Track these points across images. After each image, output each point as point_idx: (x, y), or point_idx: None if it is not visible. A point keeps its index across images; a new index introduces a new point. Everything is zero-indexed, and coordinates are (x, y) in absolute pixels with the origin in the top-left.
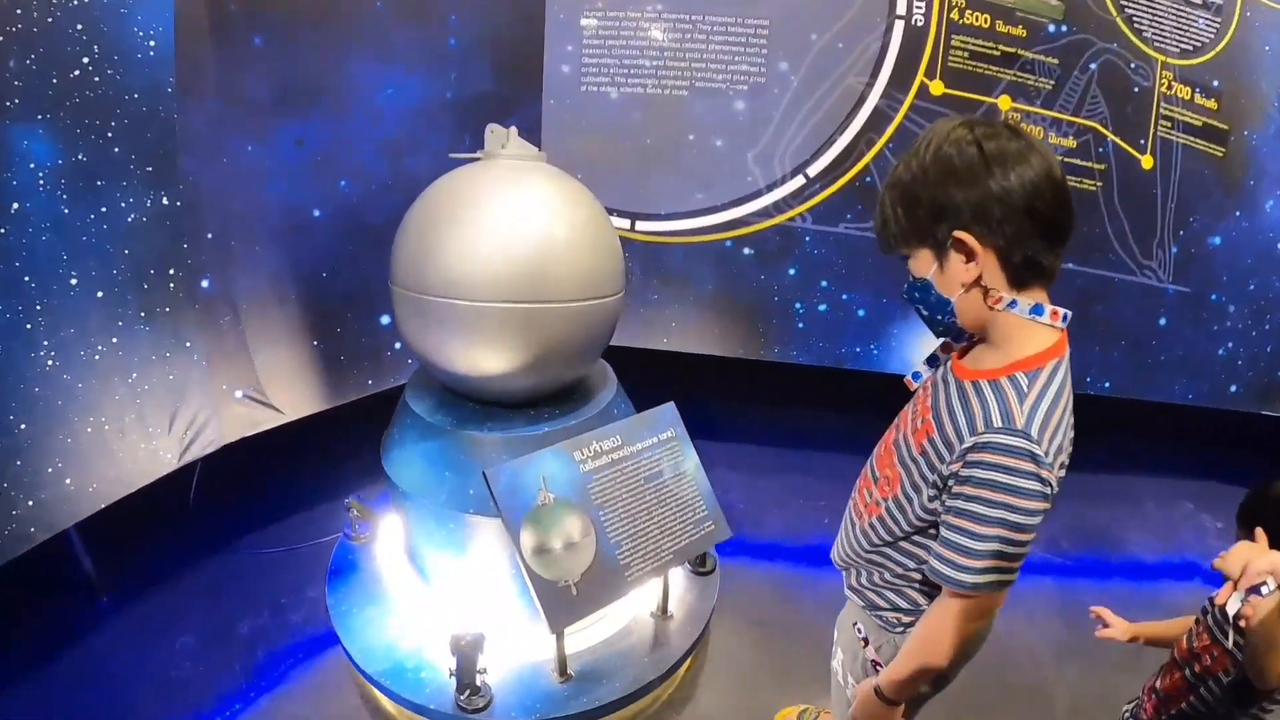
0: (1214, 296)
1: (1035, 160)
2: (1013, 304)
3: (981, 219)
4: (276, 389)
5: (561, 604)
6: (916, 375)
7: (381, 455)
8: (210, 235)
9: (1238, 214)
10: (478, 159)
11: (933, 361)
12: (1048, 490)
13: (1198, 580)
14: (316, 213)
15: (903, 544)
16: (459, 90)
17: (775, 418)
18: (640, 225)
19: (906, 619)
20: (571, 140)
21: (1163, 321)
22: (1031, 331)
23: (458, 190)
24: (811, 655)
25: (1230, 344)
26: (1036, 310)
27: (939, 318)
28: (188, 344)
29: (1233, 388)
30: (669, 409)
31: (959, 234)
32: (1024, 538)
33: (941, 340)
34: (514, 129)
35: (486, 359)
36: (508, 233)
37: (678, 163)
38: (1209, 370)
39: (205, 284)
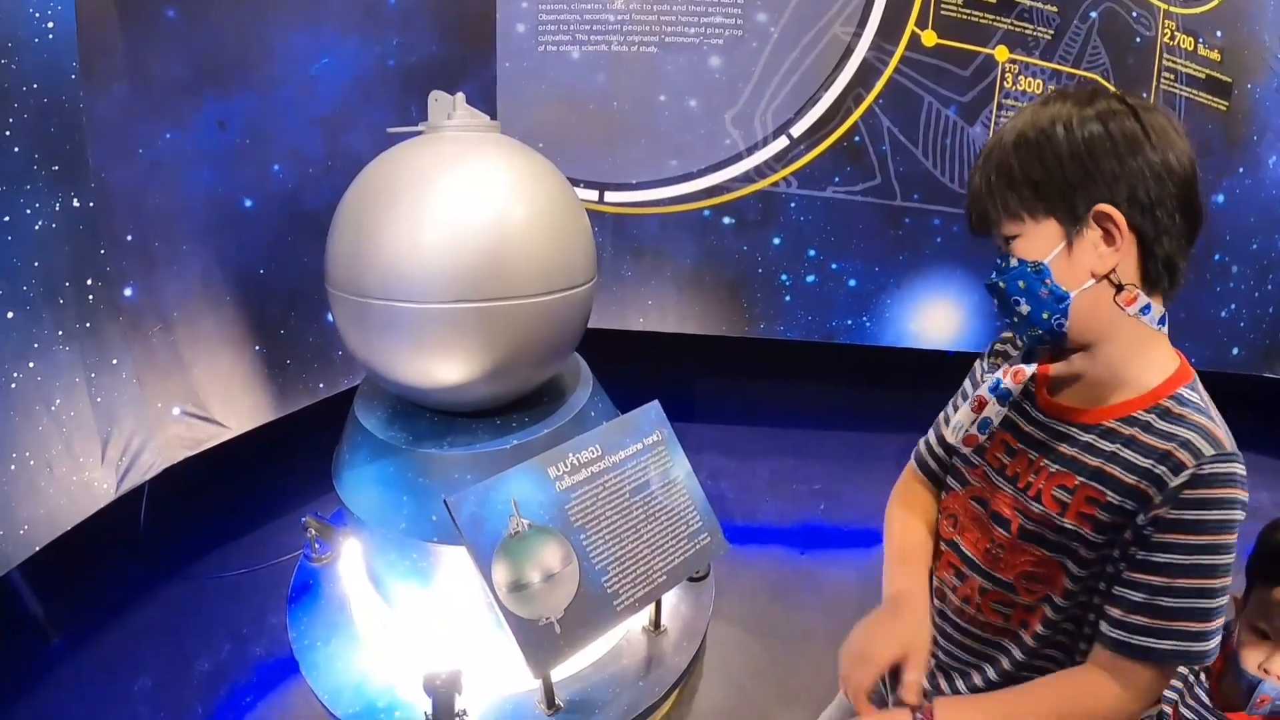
0: (1217, 257)
1: (1183, 141)
2: (1146, 309)
3: (1135, 195)
4: (218, 402)
5: (544, 644)
6: (984, 424)
7: (333, 475)
8: (130, 237)
9: (1240, 170)
10: (419, 133)
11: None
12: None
13: None
14: (248, 202)
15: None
16: (402, 56)
17: (762, 395)
18: (609, 197)
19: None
20: (530, 106)
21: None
22: (1163, 346)
23: (396, 172)
24: (813, 659)
25: (1233, 305)
26: (1163, 321)
27: (1044, 316)
28: (114, 361)
29: (1235, 350)
30: (653, 409)
31: (1104, 207)
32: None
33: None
34: (461, 95)
35: (440, 368)
36: (456, 219)
37: (648, 127)
38: (1211, 333)
39: (128, 293)
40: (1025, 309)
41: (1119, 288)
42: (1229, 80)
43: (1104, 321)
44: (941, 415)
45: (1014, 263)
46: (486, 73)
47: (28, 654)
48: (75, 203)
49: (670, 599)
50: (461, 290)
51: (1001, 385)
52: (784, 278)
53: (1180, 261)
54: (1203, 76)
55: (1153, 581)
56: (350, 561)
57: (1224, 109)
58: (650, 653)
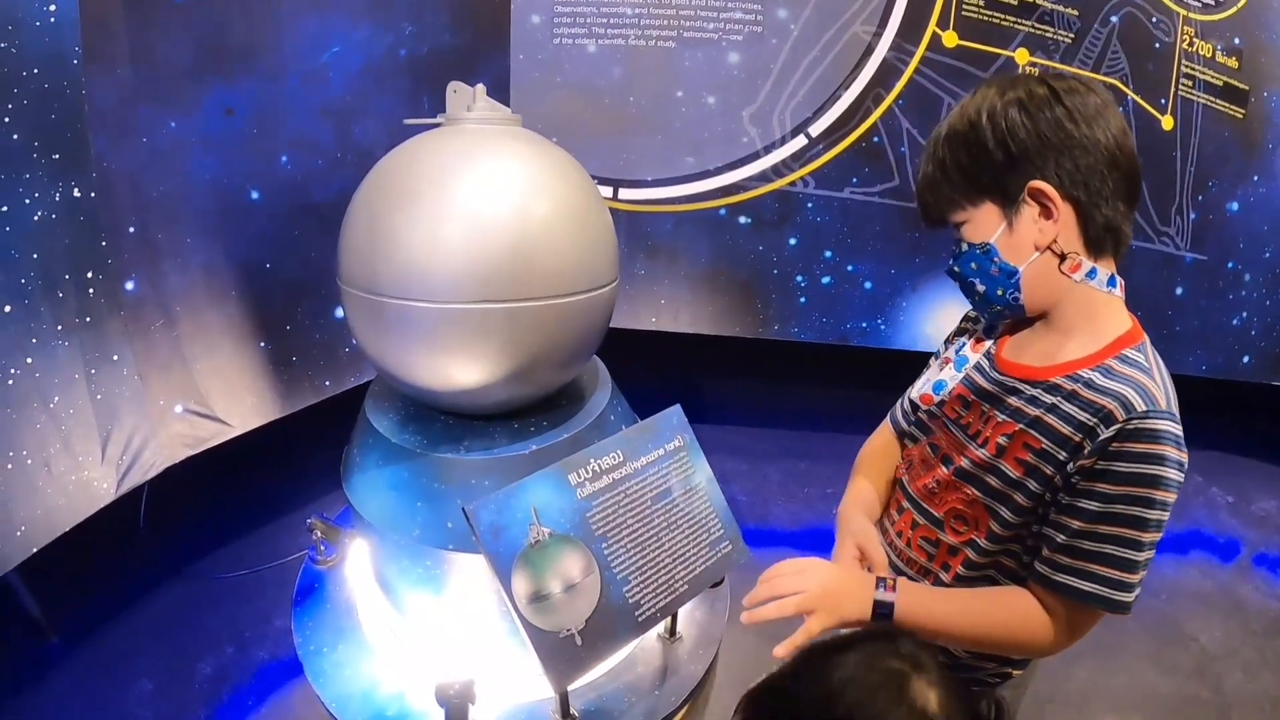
0: (1230, 265)
1: (1113, 115)
2: (1093, 273)
3: (1062, 169)
4: (221, 400)
5: (565, 657)
6: (939, 386)
7: (342, 478)
8: (132, 229)
9: (1255, 179)
10: (438, 125)
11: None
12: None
13: (1201, 551)
14: (254, 194)
15: (1004, 564)
16: (414, 46)
17: (774, 397)
18: (624, 194)
19: None
20: (544, 100)
21: (1179, 291)
22: (1114, 307)
23: (414, 165)
24: None
25: (1244, 313)
26: (1112, 283)
27: (999, 293)
28: (115, 358)
29: (1245, 358)
30: (675, 413)
31: (1037, 184)
32: (1160, 536)
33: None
34: (481, 87)
35: (458, 371)
36: (478, 216)
37: (665, 123)
38: (1223, 341)
39: (130, 286)
40: (981, 288)
41: (1062, 257)
42: (1246, 88)
43: (1055, 289)
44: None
45: (964, 247)
46: (500, 65)
47: (26, 656)
48: (76, 192)
49: (685, 606)
50: (483, 290)
51: (961, 353)
52: (799, 279)
53: (1123, 225)
54: (1220, 84)
55: (1073, 525)
56: (357, 564)
57: (1240, 116)
58: (666, 661)
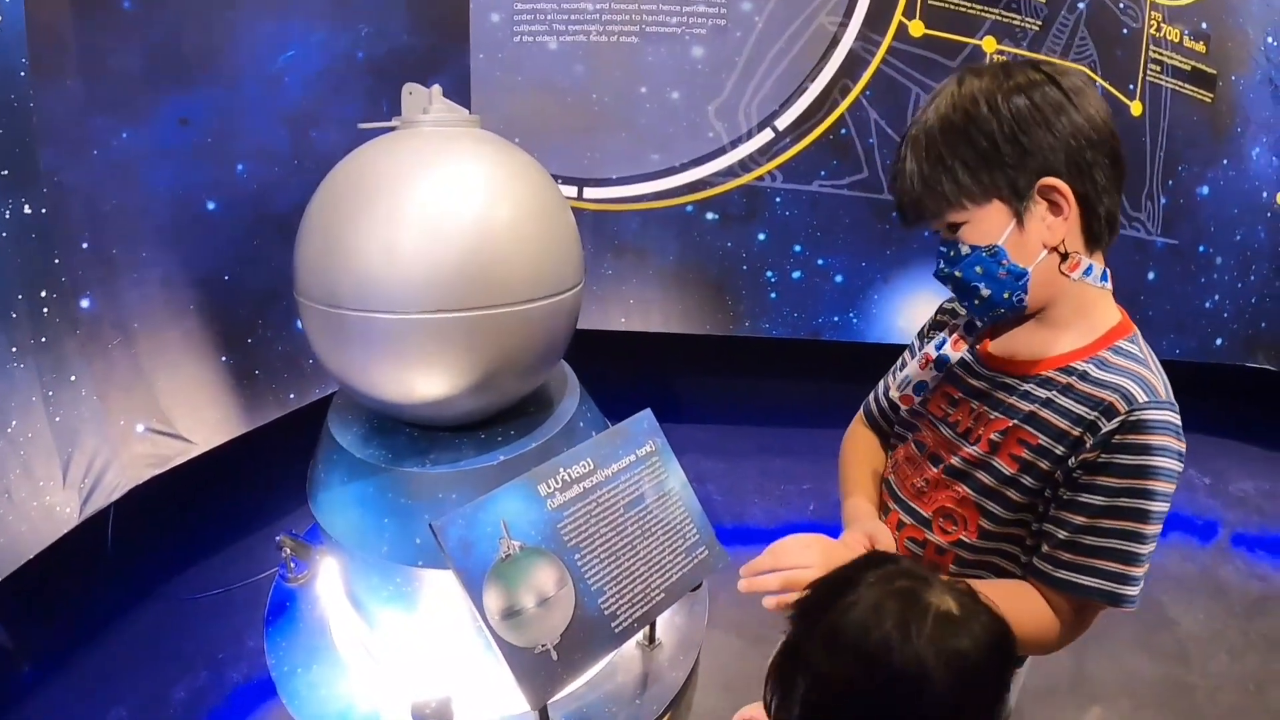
0: (1201, 248)
1: (1100, 101)
2: (1089, 270)
3: (1072, 162)
4: (184, 417)
5: (541, 673)
6: (920, 388)
7: (308, 495)
8: (85, 245)
9: (1225, 162)
10: (393, 128)
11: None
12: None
13: (1181, 534)
14: (211, 204)
15: (996, 564)
16: (372, 48)
17: (747, 394)
18: (589, 193)
19: None
20: (505, 99)
21: (1151, 276)
22: (1105, 301)
23: (369, 171)
24: None
25: (1216, 296)
26: (1104, 278)
27: (1005, 296)
28: (73, 378)
29: (1218, 340)
30: (645, 417)
31: (1050, 180)
32: (1160, 528)
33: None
34: (437, 88)
35: (421, 382)
36: (436, 221)
37: (629, 120)
38: (1196, 324)
39: (85, 304)
40: (987, 292)
41: (1064, 256)
42: (1214, 72)
43: (1053, 288)
44: (892, 370)
45: (965, 250)
46: (460, 64)
47: None
48: (26, 209)
49: (664, 612)
50: (444, 299)
51: (942, 351)
52: (769, 274)
53: (1118, 214)
54: (1188, 68)
55: (1076, 520)
56: (328, 581)
57: (1209, 101)
58: (646, 668)
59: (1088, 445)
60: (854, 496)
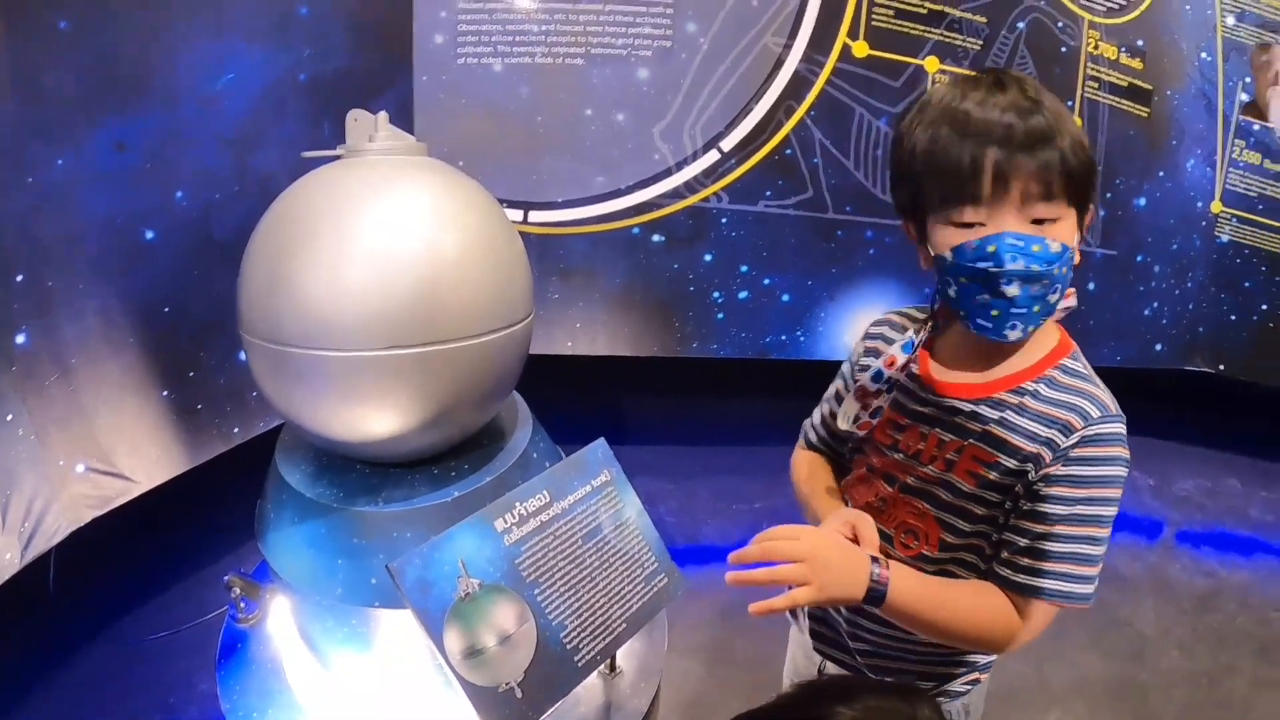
0: (1139, 258)
1: None
2: None
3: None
4: (125, 456)
5: (507, 712)
6: (877, 412)
7: (257, 535)
8: (20, 278)
9: (1161, 174)
10: (338, 157)
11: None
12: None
13: (1128, 534)
14: (149, 234)
15: (952, 572)
16: (313, 69)
17: (698, 414)
18: (534, 216)
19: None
20: (449, 122)
21: (1091, 286)
22: (1048, 324)
23: (314, 203)
24: (772, 683)
25: (1155, 304)
26: None
27: (1052, 300)
28: (9, 417)
29: (1158, 346)
30: (599, 447)
31: (1093, 197)
32: (1111, 529)
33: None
34: (383, 115)
35: (372, 420)
36: (385, 255)
37: (574, 142)
38: (1135, 331)
39: (21, 339)
40: (1054, 297)
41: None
42: (1150, 88)
43: None
44: (826, 399)
45: (1056, 248)
46: (403, 86)
47: None
48: None
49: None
50: (394, 335)
51: (883, 374)
52: (716, 295)
53: None
54: (1125, 85)
55: (1036, 529)
56: (280, 620)
57: (1145, 115)
58: (608, 697)
59: (1047, 460)
60: (817, 500)
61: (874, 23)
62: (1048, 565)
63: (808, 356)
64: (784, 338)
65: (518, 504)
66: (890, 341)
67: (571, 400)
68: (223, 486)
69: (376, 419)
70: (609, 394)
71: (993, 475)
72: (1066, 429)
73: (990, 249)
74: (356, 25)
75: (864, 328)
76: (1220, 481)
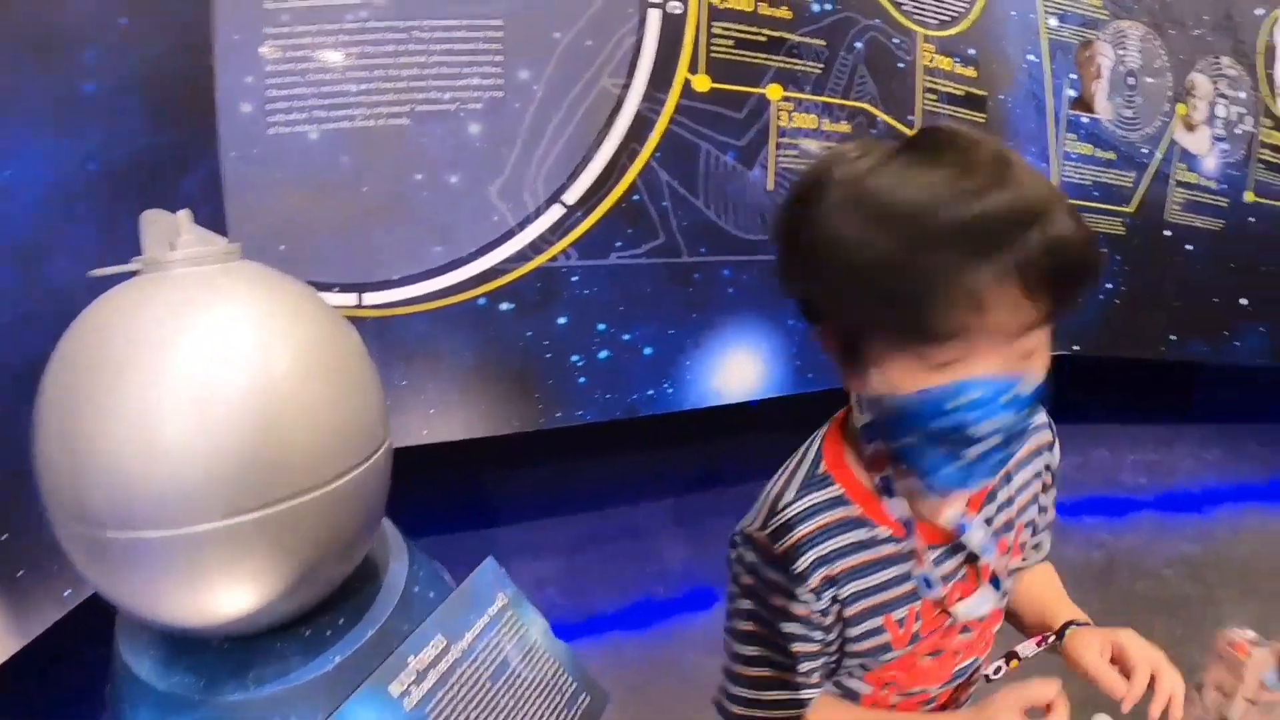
0: None
1: None
2: None
3: None
4: None
5: None
6: (928, 585)
7: None
8: None
9: None
10: (135, 272)
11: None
12: None
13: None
14: None
15: None
16: (106, 155)
17: (572, 482)
18: (369, 298)
19: None
20: (265, 202)
21: None
22: None
23: (107, 339)
24: None
25: None
26: None
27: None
28: None
29: None
30: (488, 569)
31: None
32: None
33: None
34: (185, 213)
35: (218, 602)
36: (203, 400)
37: (406, 211)
38: None
39: None
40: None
41: None
42: (984, 93)
43: None
44: (801, 658)
45: (1038, 378)
46: (209, 165)
47: None
48: None
49: None
50: (228, 501)
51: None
52: (575, 358)
53: None
54: (961, 94)
55: (1047, 518)
56: None
57: (982, 120)
58: None
59: (1050, 468)
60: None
61: (714, 54)
62: (1046, 538)
63: (677, 408)
64: (651, 392)
65: (411, 658)
66: (845, 546)
67: (435, 490)
68: (65, 658)
69: (225, 599)
70: (475, 475)
71: (1035, 516)
72: (1051, 445)
73: (973, 396)
74: (151, 99)
75: (729, 371)
76: (1089, 454)
